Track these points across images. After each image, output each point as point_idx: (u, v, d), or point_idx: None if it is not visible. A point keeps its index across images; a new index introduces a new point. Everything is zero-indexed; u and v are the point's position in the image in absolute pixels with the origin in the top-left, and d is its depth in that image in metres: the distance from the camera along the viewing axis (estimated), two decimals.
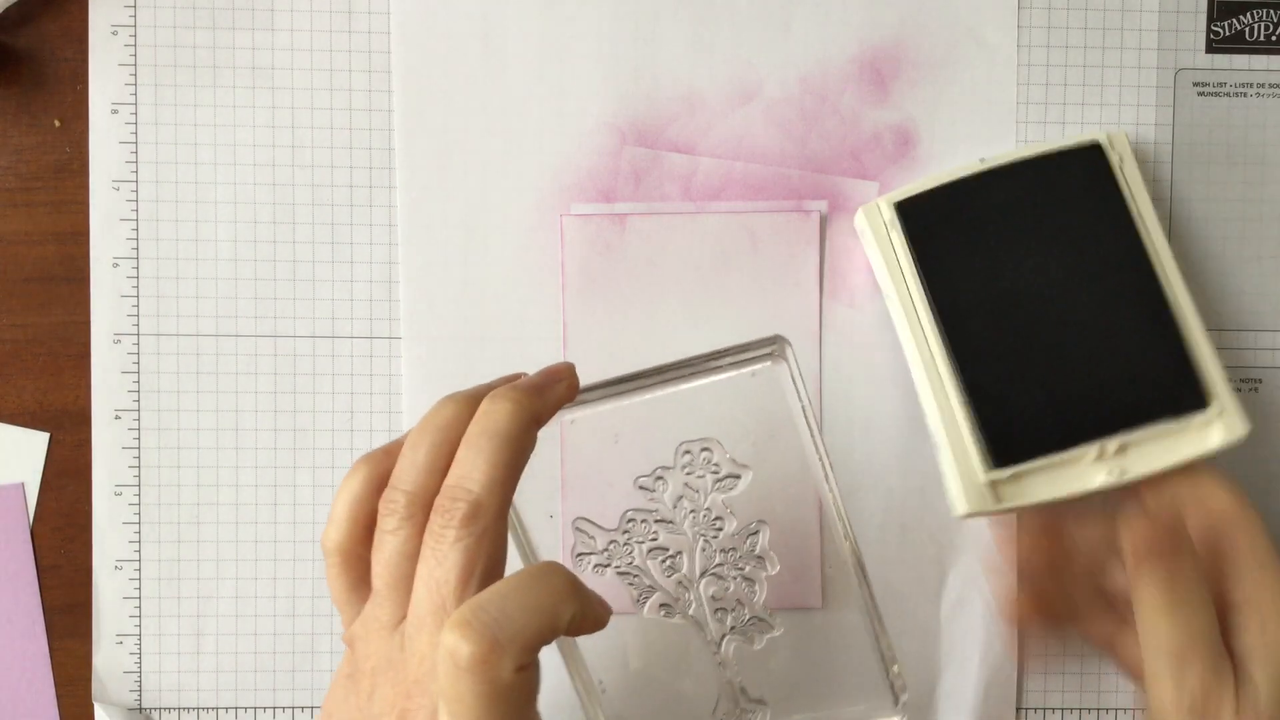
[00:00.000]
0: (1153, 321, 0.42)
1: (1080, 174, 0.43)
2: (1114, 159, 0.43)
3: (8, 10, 0.45)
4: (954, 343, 0.43)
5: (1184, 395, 0.42)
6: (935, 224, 0.43)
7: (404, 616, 0.33)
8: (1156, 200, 0.46)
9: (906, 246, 0.43)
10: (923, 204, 0.43)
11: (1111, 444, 0.42)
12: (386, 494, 0.34)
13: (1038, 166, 0.43)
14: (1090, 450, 0.42)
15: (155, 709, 0.46)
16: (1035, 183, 0.43)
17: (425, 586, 0.32)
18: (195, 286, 0.46)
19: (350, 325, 0.46)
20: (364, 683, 0.33)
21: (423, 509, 0.33)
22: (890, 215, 0.43)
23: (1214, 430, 0.42)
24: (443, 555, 0.32)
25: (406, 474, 0.34)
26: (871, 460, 0.46)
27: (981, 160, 0.43)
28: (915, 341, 0.43)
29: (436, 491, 0.33)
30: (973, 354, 0.43)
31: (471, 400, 0.35)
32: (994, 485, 0.42)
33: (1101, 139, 0.44)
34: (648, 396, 0.37)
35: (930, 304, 0.43)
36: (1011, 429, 0.42)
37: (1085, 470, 0.42)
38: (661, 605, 0.38)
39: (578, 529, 0.38)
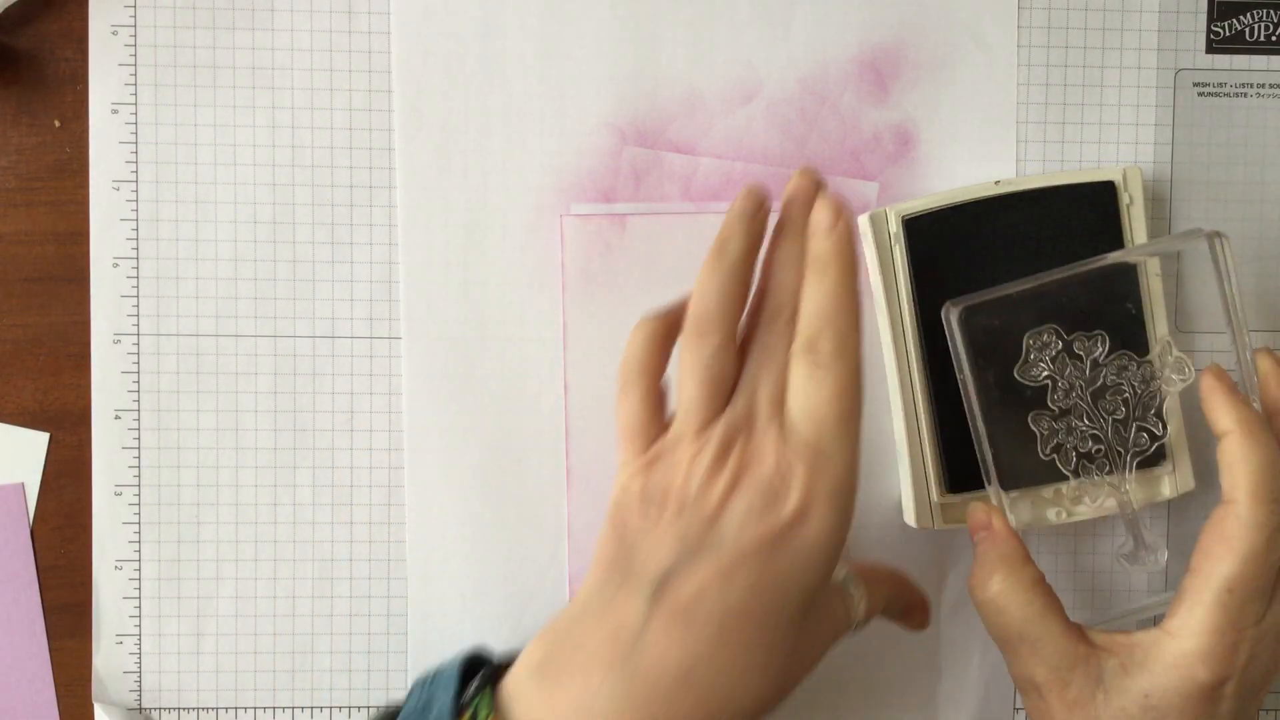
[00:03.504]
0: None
1: (1088, 213, 0.44)
2: (1124, 200, 0.44)
3: (8, 10, 0.45)
4: (933, 368, 0.44)
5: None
6: (939, 245, 0.44)
7: (706, 426, 0.37)
8: (1156, 220, 0.46)
9: (906, 263, 0.44)
10: (930, 222, 0.44)
11: (1071, 484, 0.43)
12: (700, 321, 0.38)
13: (1049, 198, 0.44)
14: (1050, 488, 0.44)
15: (155, 709, 0.46)
16: (1043, 216, 0.44)
17: (764, 393, 0.37)
18: (195, 286, 0.46)
19: (350, 325, 0.46)
20: (679, 479, 0.37)
21: (733, 331, 0.38)
22: (897, 228, 0.44)
23: (1164, 484, 0.44)
24: (820, 379, 0.37)
25: (716, 302, 0.38)
26: (873, 462, 0.46)
27: (996, 183, 0.44)
28: (896, 357, 0.44)
29: (736, 316, 0.38)
30: (950, 382, 0.43)
31: (757, 236, 0.39)
32: (945, 507, 0.44)
33: (1116, 177, 0.44)
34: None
35: (918, 326, 0.44)
36: (972, 459, 0.43)
37: (1044, 505, 0.44)
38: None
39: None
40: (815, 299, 0.38)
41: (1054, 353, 0.42)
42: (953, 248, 0.44)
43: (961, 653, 0.47)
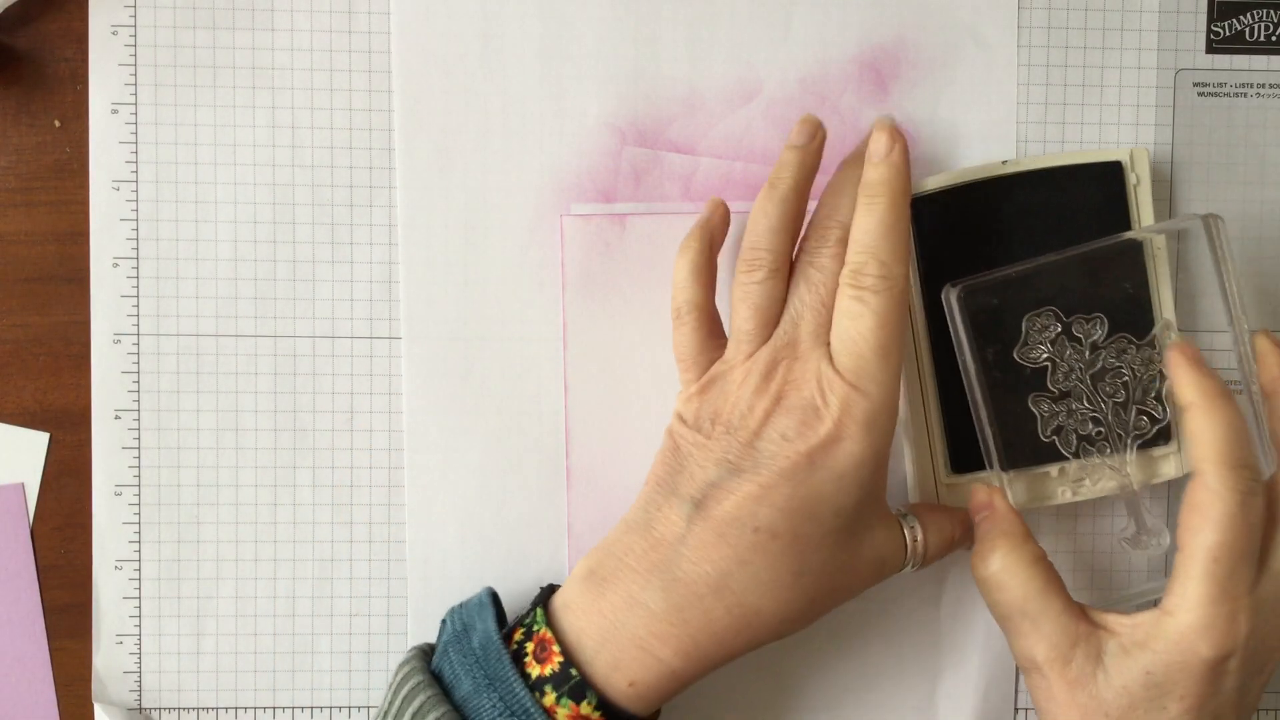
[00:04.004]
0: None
1: (1095, 193, 0.44)
2: (1130, 180, 0.44)
3: (8, 10, 0.45)
4: (940, 348, 0.44)
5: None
6: (946, 225, 0.43)
7: (753, 352, 0.40)
8: (1158, 213, 0.46)
9: (914, 244, 0.43)
10: (938, 202, 0.43)
11: (1072, 465, 0.43)
12: (749, 251, 0.40)
13: (1055, 178, 0.44)
14: (1051, 468, 0.44)
15: (155, 709, 0.46)
16: (1049, 196, 0.44)
17: (810, 315, 0.40)
18: (195, 286, 0.46)
19: (350, 325, 0.46)
20: (728, 403, 0.39)
21: (781, 261, 0.40)
22: None
23: (1169, 463, 0.44)
24: (860, 310, 0.38)
25: (764, 235, 0.40)
26: None
27: (1004, 163, 0.44)
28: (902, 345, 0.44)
29: (785, 248, 0.40)
30: (956, 363, 0.43)
31: (810, 168, 0.41)
32: (950, 487, 0.44)
33: (1124, 157, 0.44)
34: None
35: (925, 306, 0.44)
36: (977, 440, 0.43)
37: (1043, 484, 0.44)
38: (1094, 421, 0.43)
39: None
40: (862, 228, 0.39)
41: (1053, 335, 0.43)
42: (960, 228, 0.44)
43: (961, 653, 0.47)
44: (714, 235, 0.42)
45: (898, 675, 0.46)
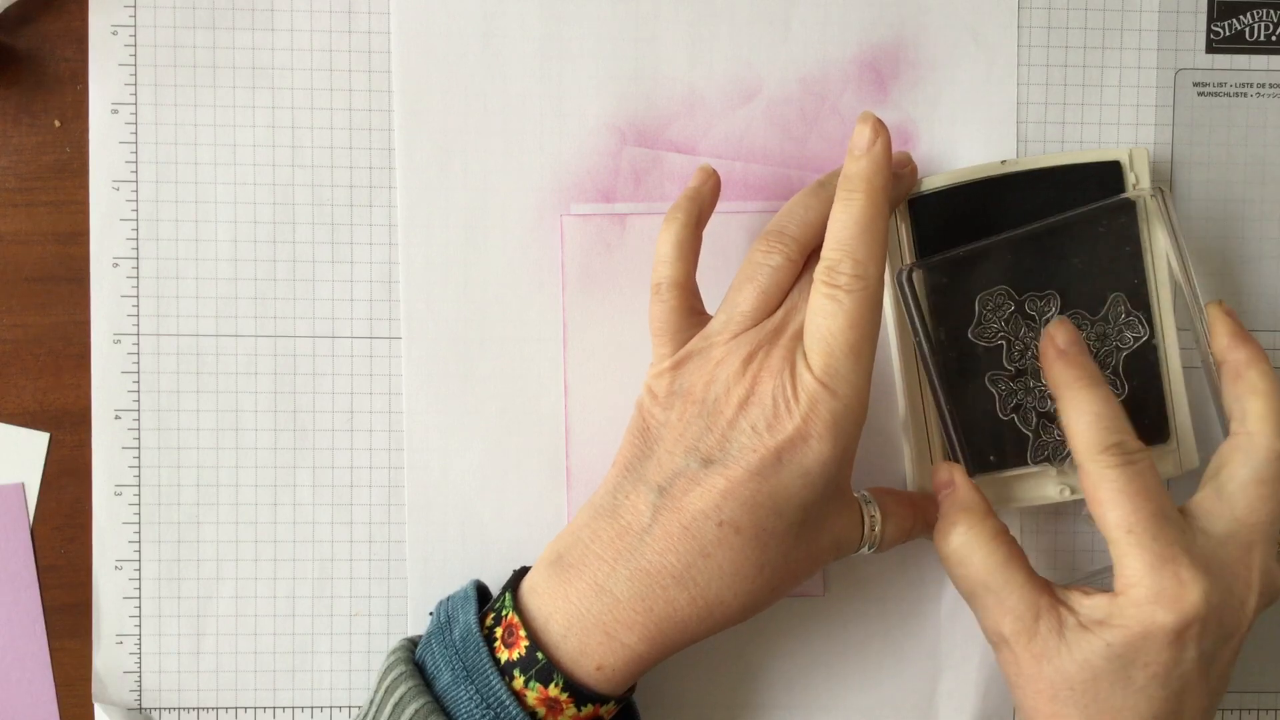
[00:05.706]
0: (1137, 357, 0.44)
1: (1094, 192, 0.44)
2: (1130, 180, 0.44)
3: (8, 10, 0.45)
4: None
5: (1149, 429, 0.44)
6: (944, 225, 0.43)
7: (741, 333, 0.39)
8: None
9: (912, 244, 0.44)
10: (936, 202, 0.44)
11: (1070, 463, 0.43)
12: (775, 234, 0.40)
13: (1055, 178, 0.44)
14: (1050, 468, 0.44)
15: (155, 709, 0.46)
16: (1048, 196, 0.44)
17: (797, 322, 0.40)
18: (195, 286, 0.46)
19: (350, 325, 0.46)
20: (702, 380, 0.39)
21: (801, 253, 0.40)
22: (902, 208, 0.44)
23: (1168, 461, 0.44)
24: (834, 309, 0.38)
25: (797, 225, 0.40)
26: (873, 459, 0.46)
27: (1003, 163, 0.44)
28: (901, 339, 0.44)
29: (811, 242, 0.40)
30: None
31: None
32: None
33: (1122, 157, 0.44)
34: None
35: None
36: (979, 441, 0.43)
37: (1039, 484, 0.44)
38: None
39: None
40: (839, 223, 0.39)
41: (1007, 314, 0.43)
42: (958, 227, 0.44)
43: (961, 653, 0.47)
44: (703, 207, 0.42)
45: (898, 675, 0.46)
